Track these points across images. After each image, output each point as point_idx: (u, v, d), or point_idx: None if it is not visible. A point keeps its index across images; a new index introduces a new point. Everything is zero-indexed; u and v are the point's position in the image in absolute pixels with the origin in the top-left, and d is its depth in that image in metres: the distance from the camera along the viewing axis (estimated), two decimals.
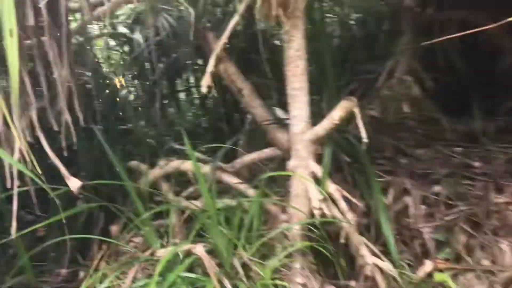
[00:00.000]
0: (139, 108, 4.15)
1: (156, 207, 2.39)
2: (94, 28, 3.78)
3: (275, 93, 3.72)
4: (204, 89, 2.15)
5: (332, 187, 2.29)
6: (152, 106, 4.09)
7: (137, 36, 3.97)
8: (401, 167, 2.83)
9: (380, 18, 3.86)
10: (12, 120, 1.56)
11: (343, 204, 2.29)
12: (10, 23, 1.43)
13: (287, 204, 2.29)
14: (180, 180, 2.97)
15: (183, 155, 2.83)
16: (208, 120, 4.38)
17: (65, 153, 1.85)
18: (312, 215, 2.32)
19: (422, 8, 3.39)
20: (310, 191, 2.24)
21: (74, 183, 1.77)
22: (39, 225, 2.14)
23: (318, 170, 2.28)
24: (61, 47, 1.81)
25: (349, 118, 2.39)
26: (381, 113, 3.13)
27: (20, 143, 1.65)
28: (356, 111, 2.11)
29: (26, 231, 2.08)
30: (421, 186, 2.68)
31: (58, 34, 1.82)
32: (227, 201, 2.36)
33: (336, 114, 2.11)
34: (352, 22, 4.16)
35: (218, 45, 2.22)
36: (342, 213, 2.29)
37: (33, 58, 1.85)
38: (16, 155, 1.67)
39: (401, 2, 3.40)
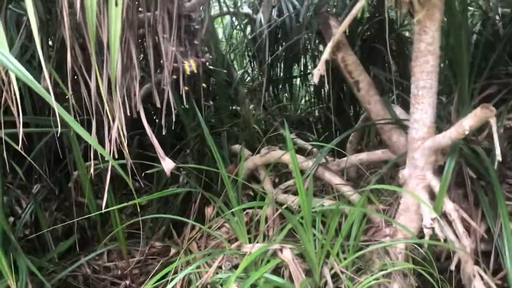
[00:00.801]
0: (253, 90, 4.03)
1: (251, 197, 2.24)
2: (217, 6, 3.70)
3: (396, 88, 3.37)
4: (315, 79, 1.91)
5: (450, 206, 1.93)
6: (266, 89, 3.95)
7: (259, 17, 3.82)
8: None
9: None
10: (111, 92, 1.48)
11: (460, 227, 1.93)
12: None
13: (392, 220, 1.99)
14: (284, 171, 2.80)
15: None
16: (320, 110, 4.13)
17: (163, 132, 1.75)
18: (421, 233, 2.00)
19: None
20: (422, 207, 1.92)
21: (168, 165, 1.66)
22: (138, 200, 2.10)
23: (436, 184, 1.94)
24: (171, 22, 1.70)
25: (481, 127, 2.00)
26: None
27: (118, 116, 1.58)
28: (493, 122, 1.72)
29: (124, 204, 2.07)
30: None
31: (170, 8, 1.71)
32: (325, 203, 2.12)
33: (467, 123, 1.74)
34: (497, 17, 3.58)
35: (338, 31, 1.95)
36: (457, 236, 1.94)
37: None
38: (115, 128, 1.60)
39: None
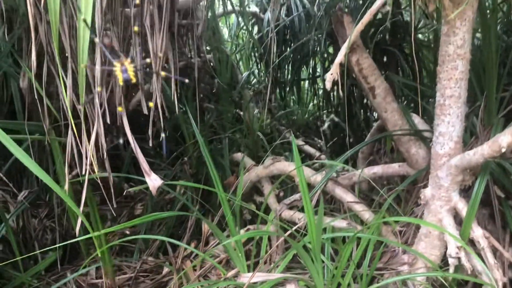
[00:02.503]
0: (259, 93, 3.73)
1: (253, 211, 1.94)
2: (223, 4, 3.40)
3: (410, 94, 3.07)
4: (328, 84, 1.62)
5: (479, 232, 1.64)
6: (272, 92, 3.66)
7: (267, 16, 3.52)
8: None
9: None
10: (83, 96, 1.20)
11: (490, 257, 1.63)
12: None
13: (412, 250, 1.69)
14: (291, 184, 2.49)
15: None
16: (329, 114, 3.83)
17: (150, 143, 1.47)
18: (443, 260, 1.72)
19: None
20: (447, 234, 1.62)
21: (153, 182, 1.37)
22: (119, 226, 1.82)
23: (463, 207, 1.65)
24: (161, 13, 1.42)
25: None
26: None
27: (97, 124, 1.30)
28: None
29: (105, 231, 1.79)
30: None
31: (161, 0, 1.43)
32: (335, 224, 1.83)
33: (504, 140, 1.44)
34: None
35: (355, 30, 1.66)
36: (487, 267, 1.64)
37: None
38: (93, 137, 1.32)
39: None
